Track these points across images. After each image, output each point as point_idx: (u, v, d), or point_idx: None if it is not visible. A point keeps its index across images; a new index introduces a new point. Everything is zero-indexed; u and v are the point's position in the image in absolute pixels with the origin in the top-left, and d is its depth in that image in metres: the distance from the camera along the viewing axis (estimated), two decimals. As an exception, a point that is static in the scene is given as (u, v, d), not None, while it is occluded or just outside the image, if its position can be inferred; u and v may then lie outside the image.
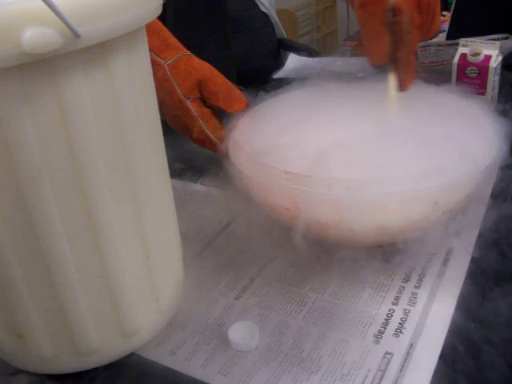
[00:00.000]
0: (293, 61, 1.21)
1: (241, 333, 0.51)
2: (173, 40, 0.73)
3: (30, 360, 0.48)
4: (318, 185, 0.52)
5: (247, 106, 0.70)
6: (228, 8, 1.02)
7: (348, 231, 0.55)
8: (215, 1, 0.96)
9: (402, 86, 0.62)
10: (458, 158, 0.53)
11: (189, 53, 0.73)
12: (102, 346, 0.48)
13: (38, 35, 0.33)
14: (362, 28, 0.64)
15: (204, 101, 0.72)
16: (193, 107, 0.71)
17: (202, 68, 0.71)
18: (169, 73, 0.70)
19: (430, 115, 0.62)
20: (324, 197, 0.52)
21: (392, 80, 0.63)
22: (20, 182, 0.38)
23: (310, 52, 1.42)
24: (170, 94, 0.70)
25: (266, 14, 1.42)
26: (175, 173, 0.80)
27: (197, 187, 0.77)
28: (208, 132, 0.71)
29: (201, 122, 0.71)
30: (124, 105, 0.41)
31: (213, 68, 0.72)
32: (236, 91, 0.71)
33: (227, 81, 0.71)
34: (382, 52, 0.61)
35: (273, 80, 1.14)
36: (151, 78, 0.47)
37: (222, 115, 0.74)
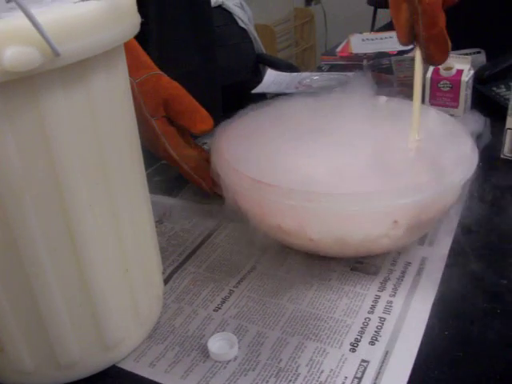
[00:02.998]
0: (271, 75, 1.23)
1: (220, 344, 0.52)
2: (145, 58, 0.74)
3: (11, 373, 0.48)
4: (279, 194, 0.54)
5: (212, 128, 0.71)
6: (213, 19, 1.03)
7: (309, 241, 0.57)
8: (201, 13, 0.97)
9: (430, 61, 0.58)
10: (424, 179, 0.55)
11: (159, 72, 0.74)
12: (83, 358, 0.48)
13: (18, 54, 0.34)
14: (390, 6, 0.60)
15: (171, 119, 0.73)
16: (157, 125, 0.72)
17: (170, 87, 0.73)
18: (137, 90, 0.71)
19: (404, 131, 0.64)
20: (285, 206, 0.55)
21: (418, 58, 0.59)
22: (1, 197, 0.39)
23: (288, 67, 1.44)
24: (137, 112, 0.71)
25: (244, 30, 1.43)
26: (155, 187, 0.81)
27: (176, 201, 0.78)
28: (170, 150, 0.72)
29: (163, 139, 0.72)
30: (103, 121, 0.42)
31: (181, 88, 0.73)
32: (202, 112, 0.72)
33: (194, 101, 0.73)
34: (402, 29, 0.58)
35: (251, 95, 1.15)
36: (130, 95, 0.48)
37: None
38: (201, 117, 0.72)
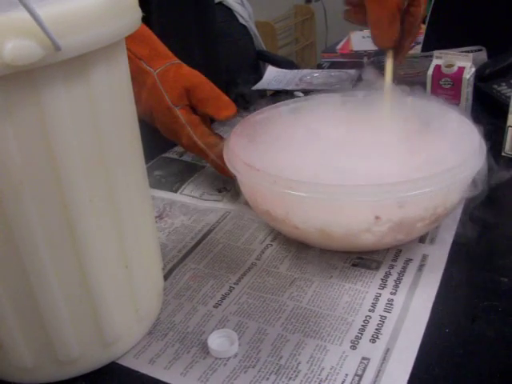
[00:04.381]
0: (271, 72, 1.23)
1: (220, 340, 0.52)
2: (163, 48, 0.74)
3: (11, 370, 0.48)
4: (266, 180, 0.55)
5: (236, 114, 0.71)
6: (216, 15, 1.03)
7: (294, 228, 0.58)
8: (203, 8, 0.96)
9: (398, 62, 0.68)
10: (411, 177, 0.54)
11: (178, 61, 0.73)
12: (82, 355, 0.48)
13: (19, 47, 0.34)
14: (373, 16, 0.66)
15: (193, 108, 0.73)
16: (181, 114, 0.71)
17: (191, 75, 0.72)
18: (158, 81, 0.70)
19: (407, 127, 0.64)
20: (272, 192, 0.56)
21: (389, 63, 0.66)
22: (1, 192, 0.38)
23: (289, 64, 1.43)
24: (159, 102, 0.71)
25: (244, 26, 1.43)
26: (155, 182, 0.81)
27: (177, 197, 0.78)
28: (196, 139, 0.71)
29: (189, 128, 0.71)
30: (103, 116, 0.42)
31: (201, 75, 0.73)
32: (224, 98, 0.71)
33: (216, 88, 0.72)
34: (391, 38, 0.64)
35: (252, 91, 1.15)
36: (130, 89, 0.47)
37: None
38: (224, 103, 0.71)
